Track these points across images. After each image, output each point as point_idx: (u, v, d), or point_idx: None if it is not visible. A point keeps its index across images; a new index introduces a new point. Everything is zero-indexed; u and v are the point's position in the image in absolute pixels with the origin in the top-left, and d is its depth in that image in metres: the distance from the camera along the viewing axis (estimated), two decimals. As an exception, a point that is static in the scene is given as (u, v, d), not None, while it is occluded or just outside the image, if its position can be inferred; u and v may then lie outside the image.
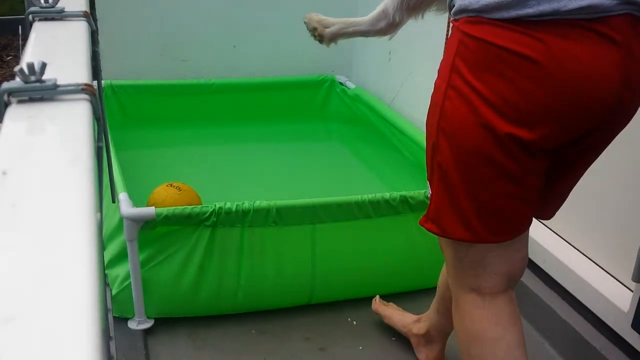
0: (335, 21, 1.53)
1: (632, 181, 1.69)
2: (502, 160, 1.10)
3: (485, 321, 1.27)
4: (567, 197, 1.30)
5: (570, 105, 1.07)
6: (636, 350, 1.61)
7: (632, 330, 1.61)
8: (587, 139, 1.16)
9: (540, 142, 1.09)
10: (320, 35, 1.55)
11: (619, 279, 1.77)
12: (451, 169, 1.14)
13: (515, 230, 1.21)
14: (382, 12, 1.46)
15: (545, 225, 2.02)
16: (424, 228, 1.24)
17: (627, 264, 1.66)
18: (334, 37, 1.54)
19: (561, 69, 1.04)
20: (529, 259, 1.99)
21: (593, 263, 1.85)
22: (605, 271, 1.81)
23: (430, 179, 1.22)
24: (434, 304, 1.64)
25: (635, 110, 1.17)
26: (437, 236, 1.25)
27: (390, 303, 1.85)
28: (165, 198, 1.95)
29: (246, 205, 1.74)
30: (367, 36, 1.53)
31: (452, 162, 1.14)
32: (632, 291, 1.65)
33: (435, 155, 1.16)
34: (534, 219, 1.28)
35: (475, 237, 1.18)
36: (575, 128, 1.12)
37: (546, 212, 1.32)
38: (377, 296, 1.87)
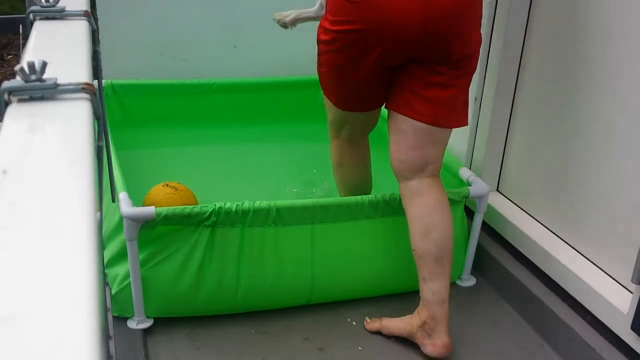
0: (292, 12, 2.06)
1: (632, 183, 1.69)
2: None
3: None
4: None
5: (384, 33, 1.56)
6: (636, 352, 1.61)
7: (632, 332, 1.61)
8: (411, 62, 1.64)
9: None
10: (283, 23, 2.05)
11: (618, 280, 1.77)
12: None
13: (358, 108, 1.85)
14: (319, 3, 2.00)
15: (545, 227, 2.02)
16: None
17: (627, 266, 1.66)
18: (293, 22, 2.05)
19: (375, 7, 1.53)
20: (530, 260, 2.00)
21: (593, 264, 1.85)
22: (605, 273, 1.81)
23: None
24: (418, 274, 1.73)
25: (449, 42, 1.58)
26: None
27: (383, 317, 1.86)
28: (162, 198, 1.95)
29: (246, 205, 1.74)
30: (316, 20, 1.95)
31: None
32: (631, 293, 1.65)
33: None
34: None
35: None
36: (395, 53, 1.61)
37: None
38: (366, 317, 1.88)
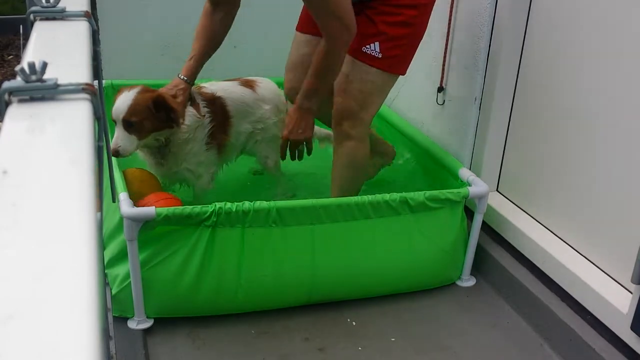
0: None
1: (632, 183, 1.69)
2: None
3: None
4: None
5: None
6: (635, 352, 1.61)
7: (631, 332, 1.61)
8: None
9: None
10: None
11: (618, 280, 1.77)
12: None
13: None
14: None
15: (545, 227, 2.02)
16: None
17: (627, 266, 1.66)
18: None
19: None
20: (530, 261, 2.00)
21: (592, 265, 1.85)
22: (605, 273, 1.81)
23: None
24: None
25: None
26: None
27: None
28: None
29: (246, 205, 1.74)
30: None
31: None
32: (631, 293, 1.65)
33: None
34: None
35: None
36: None
37: None
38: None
